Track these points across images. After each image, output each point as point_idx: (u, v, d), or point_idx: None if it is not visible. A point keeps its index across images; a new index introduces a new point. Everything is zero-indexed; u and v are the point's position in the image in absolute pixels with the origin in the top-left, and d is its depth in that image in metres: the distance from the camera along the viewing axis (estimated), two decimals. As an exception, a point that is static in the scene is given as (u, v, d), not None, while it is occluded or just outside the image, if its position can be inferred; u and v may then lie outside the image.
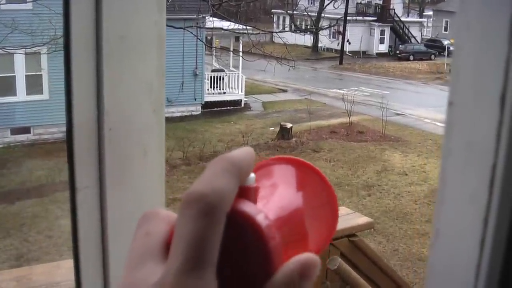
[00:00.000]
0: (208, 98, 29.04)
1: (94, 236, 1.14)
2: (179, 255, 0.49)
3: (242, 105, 30.25)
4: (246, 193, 0.53)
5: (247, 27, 24.27)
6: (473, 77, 0.68)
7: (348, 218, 5.00)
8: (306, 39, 50.39)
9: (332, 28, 46.69)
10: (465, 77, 0.69)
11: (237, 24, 26.16)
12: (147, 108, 1.14)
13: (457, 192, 0.71)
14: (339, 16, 46.94)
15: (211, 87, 29.69)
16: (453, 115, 0.71)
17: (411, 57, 49.21)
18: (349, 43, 51.44)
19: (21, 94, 23.31)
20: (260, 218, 0.51)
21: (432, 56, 49.93)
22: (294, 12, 47.59)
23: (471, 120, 0.69)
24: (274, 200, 0.57)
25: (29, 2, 19.06)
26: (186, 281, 0.48)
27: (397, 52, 51.74)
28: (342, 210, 5.27)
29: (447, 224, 0.72)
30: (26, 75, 23.00)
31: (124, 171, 1.15)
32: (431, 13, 68.17)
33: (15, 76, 23.38)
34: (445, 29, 60.79)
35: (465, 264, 0.68)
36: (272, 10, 61.77)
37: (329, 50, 53.76)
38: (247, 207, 0.52)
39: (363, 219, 5.15)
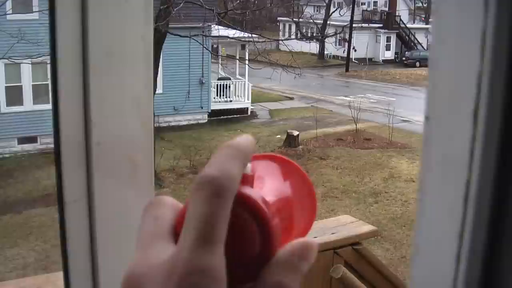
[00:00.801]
0: (215, 106, 29.05)
1: (83, 249, 1.14)
2: (192, 231, 0.52)
3: (249, 113, 30.26)
4: (245, 179, 0.57)
5: (253, 35, 24.32)
6: (447, 92, 0.68)
7: (352, 226, 4.98)
8: (312, 47, 50.40)
9: (338, 35, 46.68)
10: (440, 91, 0.69)
11: (243, 32, 26.23)
12: (135, 121, 1.14)
13: (435, 206, 0.71)
14: (345, 24, 46.95)
15: (217, 95, 29.71)
16: (430, 129, 0.71)
17: (417, 64, 49.15)
18: (355, 50, 51.44)
19: (28, 104, 23.40)
20: (261, 201, 0.56)
21: (439, 63, 49.80)
22: (300, 19, 47.60)
23: (446, 135, 0.69)
24: (267, 188, 0.61)
25: (35, 12, 19.12)
26: (199, 255, 0.51)
27: (403, 58, 51.70)
28: (346, 218, 5.25)
29: (426, 239, 0.72)
30: (32, 85, 23.08)
31: (112, 185, 1.15)
32: (437, 19, 68.03)
33: (21, 85, 23.47)
34: (452, 35, 60.67)
35: (442, 279, 0.68)
36: (278, 18, 61.81)
37: (335, 57, 53.77)
38: (249, 190, 0.56)
39: (367, 227, 5.12)
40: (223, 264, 0.53)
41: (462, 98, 0.66)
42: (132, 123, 1.15)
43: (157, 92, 20.47)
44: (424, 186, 0.71)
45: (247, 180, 0.58)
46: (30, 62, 20.78)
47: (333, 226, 4.92)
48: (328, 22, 51.24)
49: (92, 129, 1.09)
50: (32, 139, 22.79)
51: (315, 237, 4.48)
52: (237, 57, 30.08)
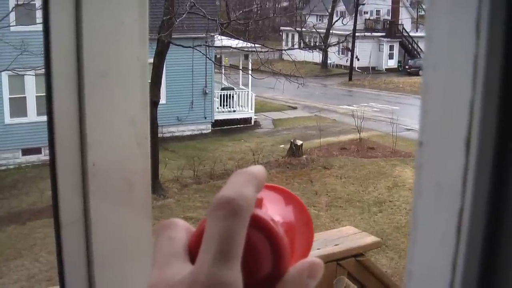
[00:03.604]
0: (218, 116, 29.09)
1: (80, 271, 1.14)
2: (211, 248, 0.56)
3: (252, 122, 30.29)
4: (257, 203, 0.61)
5: (256, 45, 24.37)
6: (439, 118, 0.68)
7: (355, 237, 4.96)
8: (315, 56, 50.46)
9: (341, 44, 46.68)
10: (432, 117, 0.68)
11: (246, 42, 26.24)
12: (131, 141, 1.14)
13: (428, 234, 0.70)
14: (348, 33, 47.00)
15: (221, 105, 29.75)
16: (422, 155, 0.70)
17: (421, 72, 49.03)
18: (358, 59, 51.44)
19: (32, 115, 23.44)
20: (273, 222, 0.60)
21: (442, 71, 49.79)
22: (303, 29, 47.66)
23: (439, 162, 0.68)
24: (274, 212, 0.65)
25: (38, 23, 19.15)
26: (219, 270, 0.55)
27: (407, 67, 51.68)
28: (349, 229, 5.24)
29: (419, 266, 0.72)
30: (36, 96, 23.12)
31: (109, 205, 1.14)
32: (440, 28, 68.10)
33: (25, 97, 23.52)
34: (455, 44, 60.67)
35: (436, 308, 0.67)
36: (281, 28, 61.90)
37: (338, 66, 53.76)
38: (261, 212, 0.61)
39: (370, 238, 5.11)
40: (241, 279, 0.56)
41: (454, 125, 0.66)
42: (128, 143, 1.14)
43: (160, 102, 20.47)
44: (416, 214, 0.71)
45: (258, 203, 0.62)
46: (33, 74, 20.82)
47: (336, 238, 4.90)
48: (331, 31, 51.27)
49: (87, 150, 1.09)
50: (36, 150, 22.80)
51: (318, 249, 4.46)
52: (240, 67, 30.10)
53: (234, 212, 0.57)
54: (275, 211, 0.66)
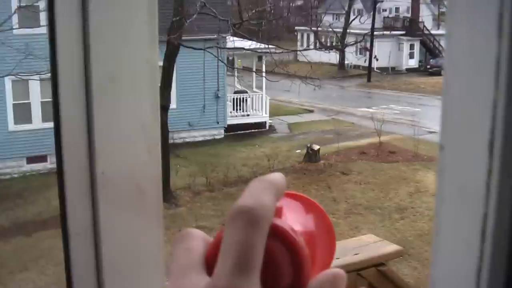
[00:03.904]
0: (231, 121, 29.11)
1: (89, 283, 1.14)
2: (230, 258, 0.56)
3: (267, 127, 30.29)
4: (276, 211, 0.61)
5: (270, 46, 24.41)
6: (461, 120, 0.68)
7: (376, 246, 4.96)
8: (332, 57, 50.41)
9: (359, 44, 46.59)
10: (454, 120, 0.69)
11: (259, 43, 26.29)
12: (141, 148, 1.15)
13: (451, 240, 0.70)
14: (366, 31, 46.94)
15: (234, 109, 29.76)
16: (444, 159, 0.71)
17: (443, 72, 48.96)
18: (377, 59, 51.34)
19: (36, 121, 23.53)
20: (293, 232, 0.60)
21: (465, 70, 49.62)
22: (319, 28, 47.67)
23: (462, 166, 0.69)
24: (294, 222, 0.64)
25: (43, 26, 19.25)
26: (238, 281, 0.55)
27: (428, 67, 51.55)
28: (369, 238, 5.23)
29: (443, 274, 0.72)
30: (41, 102, 23.18)
31: (119, 215, 1.15)
32: (463, 25, 67.88)
33: (30, 102, 23.61)
34: (478, 42, 60.46)
35: (461, 317, 0.67)
36: (296, 28, 61.91)
37: (356, 67, 53.70)
38: (281, 222, 0.60)
39: (391, 247, 5.10)
40: None
41: (476, 127, 0.66)
42: (139, 150, 1.15)
43: (171, 107, 20.52)
44: (439, 219, 0.71)
45: (278, 212, 0.61)
46: (38, 79, 20.87)
47: (356, 246, 4.90)
48: (348, 30, 51.26)
49: (96, 158, 1.10)
50: (42, 158, 22.88)
51: (337, 258, 4.46)
52: (254, 69, 30.15)
53: (253, 222, 0.57)
54: (295, 220, 0.65)
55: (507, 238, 0.64)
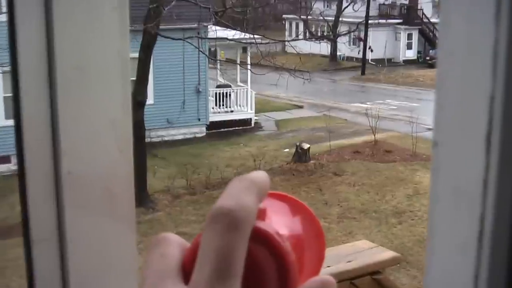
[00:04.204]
0: (214, 118, 29.11)
1: (55, 294, 1.14)
2: (208, 265, 0.56)
3: (252, 124, 30.31)
4: (259, 213, 0.60)
5: (255, 36, 24.36)
6: (456, 114, 0.68)
7: (371, 253, 4.98)
8: (323, 48, 50.46)
9: (352, 34, 46.78)
10: (449, 114, 0.69)
11: (243, 33, 26.26)
12: (112, 147, 1.14)
13: (446, 244, 0.71)
14: (360, 20, 47.03)
15: (216, 105, 29.77)
16: (438, 157, 0.71)
17: (443, 64, 49.14)
18: (372, 51, 51.48)
19: (-1, 119, 23.35)
20: (278, 236, 0.60)
21: (468, 62, 49.83)
22: (308, 17, 47.72)
23: (457, 163, 0.69)
24: (279, 225, 0.64)
25: (4, 13, 19.07)
26: None
27: (427, 58, 51.75)
28: (364, 244, 5.25)
29: (438, 280, 0.72)
30: (4, 97, 22.94)
31: (87, 219, 1.14)
32: (464, 13, 68.16)
33: (-11, 98, 23.36)
34: (482, 31, 60.72)
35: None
36: (283, 16, 61.94)
37: (349, 59, 53.82)
38: (264, 225, 0.60)
39: (388, 254, 5.12)
40: None
41: (473, 122, 0.66)
42: (108, 148, 1.15)
43: (147, 102, 20.47)
44: (433, 221, 0.71)
45: (261, 214, 0.61)
46: (0, 71, 20.66)
47: (350, 253, 4.91)
48: (340, 19, 51.33)
49: (61, 157, 1.09)
50: (5, 159, 22.68)
51: (329, 266, 4.47)
52: (238, 62, 30.16)
53: (233, 225, 0.56)
54: (280, 223, 0.65)
55: (506, 240, 0.65)
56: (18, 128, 1.06)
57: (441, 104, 0.69)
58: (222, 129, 29.00)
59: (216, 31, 24.91)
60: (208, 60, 28.16)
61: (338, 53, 53.77)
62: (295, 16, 55.98)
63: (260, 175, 0.63)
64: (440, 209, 0.71)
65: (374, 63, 51.37)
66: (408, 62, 53.28)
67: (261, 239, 0.59)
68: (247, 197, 0.59)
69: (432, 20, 55.46)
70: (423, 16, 55.36)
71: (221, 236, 0.56)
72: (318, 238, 0.69)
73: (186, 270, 0.60)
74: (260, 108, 32.47)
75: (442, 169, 0.70)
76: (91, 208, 1.14)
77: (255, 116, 30.86)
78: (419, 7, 56.14)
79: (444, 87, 0.69)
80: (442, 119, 0.69)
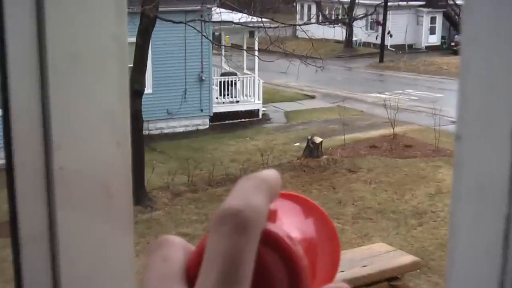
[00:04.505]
0: (218, 109, 29.10)
1: (45, 300, 1.15)
2: (214, 270, 0.56)
3: (260, 116, 30.30)
4: (269, 215, 0.61)
5: (263, 20, 24.35)
6: (481, 106, 0.68)
7: (389, 257, 4.97)
8: (337, 32, 50.22)
9: (370, 17, 46.62)
10: (473, 105, 0.69)
11: (250, 17, 26.23)
12: (108, 140, 1.15)
13: (469, 246, 0.71)
14: (378, 2, 46.89)
15: (220, 95, 29.76)
16: (461, 152, 0.71)
17: (470, 51, 48.98)
18: (391, 36, 51.36)
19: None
20: (289, 239, 0.60)
21: (496, 48, 49.68)
22: (322, -1, 47.64)
23: (481, 158, 0.69)
24: (291, 227, 0.65)
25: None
26: None
27: (452, 44, 51.55)
28: (381, 247, 5.25)
29: (460, 284, 0.72)
30: (-8, 86, 23.10)
31: (81, 219, 1.15)
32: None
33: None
34: None
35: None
36: (295, -3, 61.85)
37: (366, 45, 53.72)
38: (274, 227, 0.60)
39: (407, 258, 5.12)
40: None
41: (499, 114, 0.66)
42: (105, 142, 1.15)
43: (146, 92, 20.47)
44: (455, 222, 0.72)
45: (272, 216, 0.61)
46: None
47: (365, 257, 4.91)
48: (357, 1, 51.14)
49: (53, 151, 1.09)
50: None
51: (343, 271, 4.47)
52: (245, 47, 30.11)
53: (241, 227, 0.57)
54: (292, 225, 0.66)
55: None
56: (6, 119, 1.07)
57: (464, 95, 0.69)
58: (227, 121, 29.00)
59: (220, 14, 24.87)
60: (212, 46, 28.15)
61: (354, 39, 53.67)
62: (307, -2, 55.88)
63: (271, 174, 0.63)
64: (462, 208, 0.71)
65: (393, 49, 51.27)
66: (431, 49, 53.14)
67: (271, 243, 0.59)
68: (256, 197, 0.59)
69: (458, 2, 55.17)
70: (448, -2, 55.14)
71: (228, 238, 0.56)
72: (332, 241, 0.70)
73: (191, 274, 0.60)
74: (268, 98, 32.45)
75: (465, 165, 0.71)
76: (85, 206, 1.15)
77: (263, 107, 30.85)
78: (443, -12, 55.96)
79: (468, 76, 0.69)
80: (465, 111, 0.69)
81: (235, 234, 0.56)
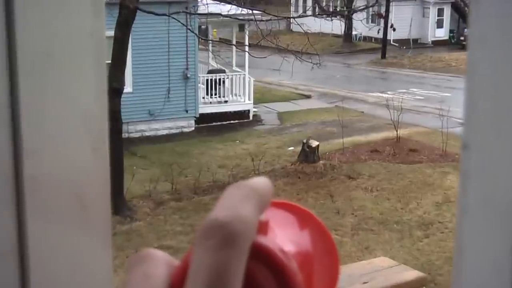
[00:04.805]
0: (204, 109, 29.08)
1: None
2: (199, 287, 0.56)
3: (251, 117, 30.30)
4: (260, 227, 0.60)
5: (255, 12, 24.37)
6: (491, 111, 0.68)
7: (392, 272, 4.97)
8: (335, 26, 50.28)
9: (371, 9, 46.70)
10: (482, 110, 0.69)
11: (240, 8, 26.24)
12: (83, 145, 1.15)
13: (476, 262, 0.71)
14: (380, -7, 46.98)
15: (207, 94, 29.74)
16: (468, 162, 0.71)
17: (480, 46, 49.05)
18: (394, 29, 51.42)
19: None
20: (282, 253, 0.60)
21: (509, 43, 49.77)
22: (319, -11, 47.69)
23: (490, 168, 0.69)
24: (284, 240, 0.65)
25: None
26: None
27: (461, 38, 51.60)
28: (383, 261, 5.26)
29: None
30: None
31: (54, 232, 1.15)
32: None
33: None
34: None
35: None
36: (289, -13, 61.91)
37: (367, 39, 53.78)
38: (266, 240, 0.60)
39: (412, 274, 5.12)
40: None
41: (510, 120, 0.67)
42: (80, 148, 1.15)
43: (125, 91, 20.43)
44: (461, 235, 0.72)
45: (262, 227, 0.61)
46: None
47: (366, 272, 4.91)
48: (357, -9, 51.28)
49: (24, 158, 1.09)
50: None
51: (341, 287, 4.47)
52: (234, 42, 30.09)
53: (229, 240, 0.56)
54: (285, 237, 0.66)
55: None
56: (-29, 124, 1.07)
57: (472, 99, 0.69)
58: (214, 123, 28.99)
59: (207, 6, 24.85)
60: (198, 40, 28.13)
61: (353, 33, 53.76)
62: (302, -12, 55.93)
63: (262, 182, 0.63)
64: (469, 221, 0.71)
65: (396, 44, 51.33)
66: (438, 43, 53.20)
67: (262, 257, 0.59)
68: (245, 207, 0.59)
69: (467, -8, 55.31)
70: (457, -12, 55.23)
71: (215, 252, 0.56)
72: (330, 255, 0.70)
73: None
74: (260, 98, 32.47)
75: (473, 174, 0.71)
76: (59, 218, 1.15)
77: (254, 107, 30.84)
78: (451, -23, 56.03)
79: (475, 78, 0.69)
80: (473, 116, 0.69)
81: (222, 248, 0.56)
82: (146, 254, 0.63)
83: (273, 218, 0.65)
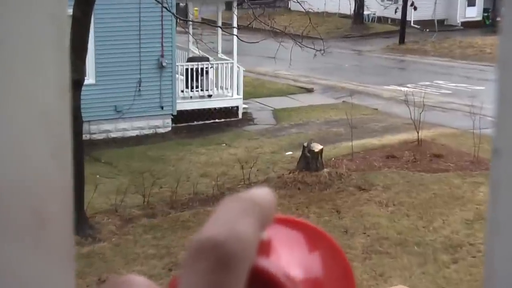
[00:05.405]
0: (183, 106, 29.06)
1: None
2: None
3: (240, 115, 30.30)
4: (261, 247, 0.61)
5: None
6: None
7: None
8: (343, 4, 50.41)
9: (387, -16, 46.73)
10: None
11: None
12: (42, 151, 1.16)
13: (509, 286, 0.72)
14: (398, -36, 47.04)
15: (187, 87, 29.71)
16: (500, 170, 0.71)
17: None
18: (415, 8, 51.34)
19: None
20: (287, 279, 0.60)
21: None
22: (323, -41, 47.71)
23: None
24: (289, 263, 0.65)
25: None
26: None
27: (498, 19, 51.60)
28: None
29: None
30: None
31: (8, 253, 1.17)
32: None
33: None
34: None
35: None
36: (287, -43, 61.91)
37: (381, 20, 53.76)
38: (268, 263, 0.61)
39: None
40: None
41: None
42: (38, 154, 1.16)
43: (87, 82, 20.38)
44: (491, 259, 0.73)
45: (264, 248, 0.62)
46: None
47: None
48: (369, -38, 51.32)
49: (-28, 166, 1.11)
50: None
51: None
52: (219, 24, 30.09)
53: (224, 262, 0.56)
54: (291, 260, 0.66)
55: None
56: None
57: (504, 96, 0.70)
58: (196, 122, 28.99)
59: (187, -21, 24.90)
60: (176, 21, 28.11)
61: (365, 12, 53.69)
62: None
63: (263, 193, 0.63)
64: (501, 241, 0.72)
65: (418, 26, 51.35)
66: (469, 25, 53.18)
67: (263, 282, 0.59)
68: (244, 223, 0.59)
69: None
70: (491, -42, 55.27)
71: (207, 277, 0.56)
72: (345, 281, 0.70)
73: None
74: (252, 92, 32.47)
75: (505, 185, 0.71)
76: (13, 236, 1.16)
77: (244, 103, 30.82)
78: None
79: (508, 72, 0.69)
80: (505, 116, 0.69)
81: (215, 271, 0.56)
82: (124, 280, 0.64)
83: (276, 237, 0.66)
